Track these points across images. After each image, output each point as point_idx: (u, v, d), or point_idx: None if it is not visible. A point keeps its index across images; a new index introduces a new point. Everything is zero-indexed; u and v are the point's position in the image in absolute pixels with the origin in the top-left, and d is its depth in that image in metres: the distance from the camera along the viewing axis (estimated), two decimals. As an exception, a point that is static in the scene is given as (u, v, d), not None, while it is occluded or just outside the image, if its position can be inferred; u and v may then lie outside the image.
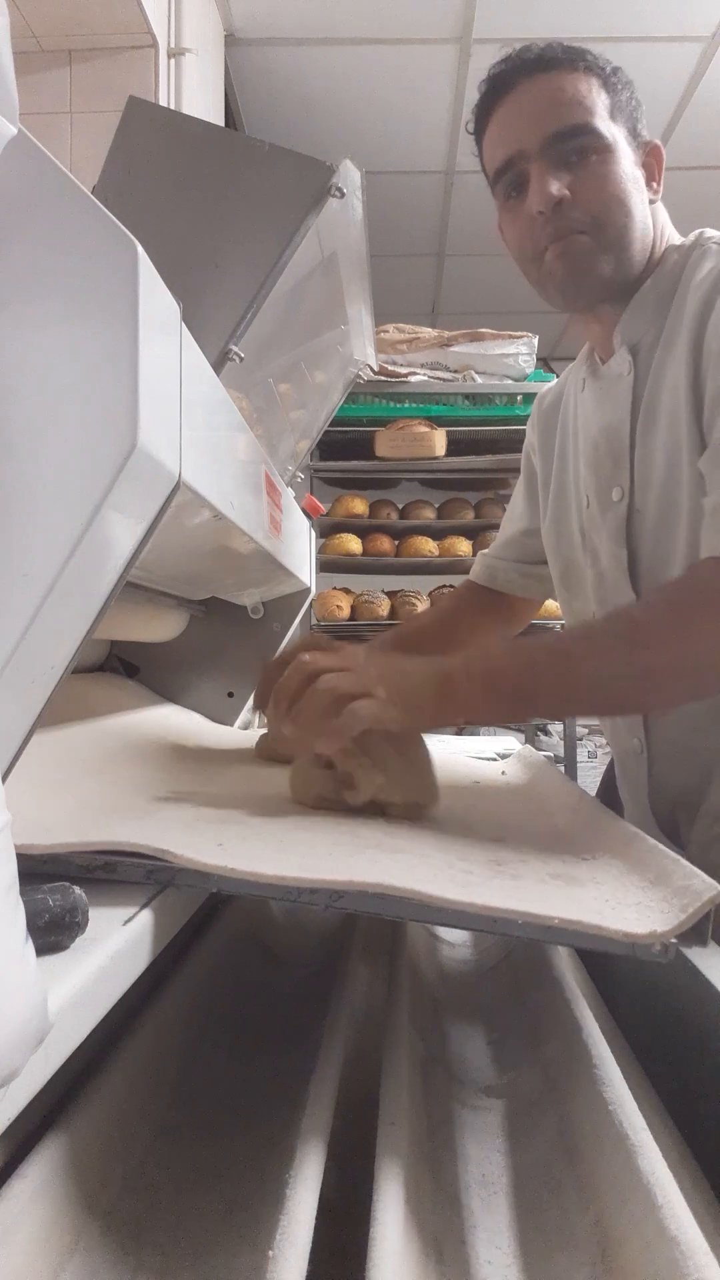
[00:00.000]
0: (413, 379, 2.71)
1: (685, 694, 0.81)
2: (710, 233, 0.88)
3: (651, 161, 0.88)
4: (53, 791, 0.67)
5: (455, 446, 2.72)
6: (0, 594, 0.47)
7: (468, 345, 2.73)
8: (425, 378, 2.73)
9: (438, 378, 2.74)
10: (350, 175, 0.83)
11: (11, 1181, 0.38)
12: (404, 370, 2.72)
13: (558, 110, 0.82)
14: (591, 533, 0.95)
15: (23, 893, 0.36)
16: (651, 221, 0.88)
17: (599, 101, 0.83)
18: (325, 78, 2.74)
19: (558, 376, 1.12)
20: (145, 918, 0.48)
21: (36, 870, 0.50)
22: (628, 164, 0.84)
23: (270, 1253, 0.34)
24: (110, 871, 0.52)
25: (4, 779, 0.50)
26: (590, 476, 0.95)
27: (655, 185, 0.88)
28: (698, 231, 0.89)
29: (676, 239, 0.91)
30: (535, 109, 0.83)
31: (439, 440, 2.67)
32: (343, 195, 0.82)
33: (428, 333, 2.79)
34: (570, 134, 0.82)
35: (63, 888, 0.43)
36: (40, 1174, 0.39)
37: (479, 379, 2.72)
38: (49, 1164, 0.40)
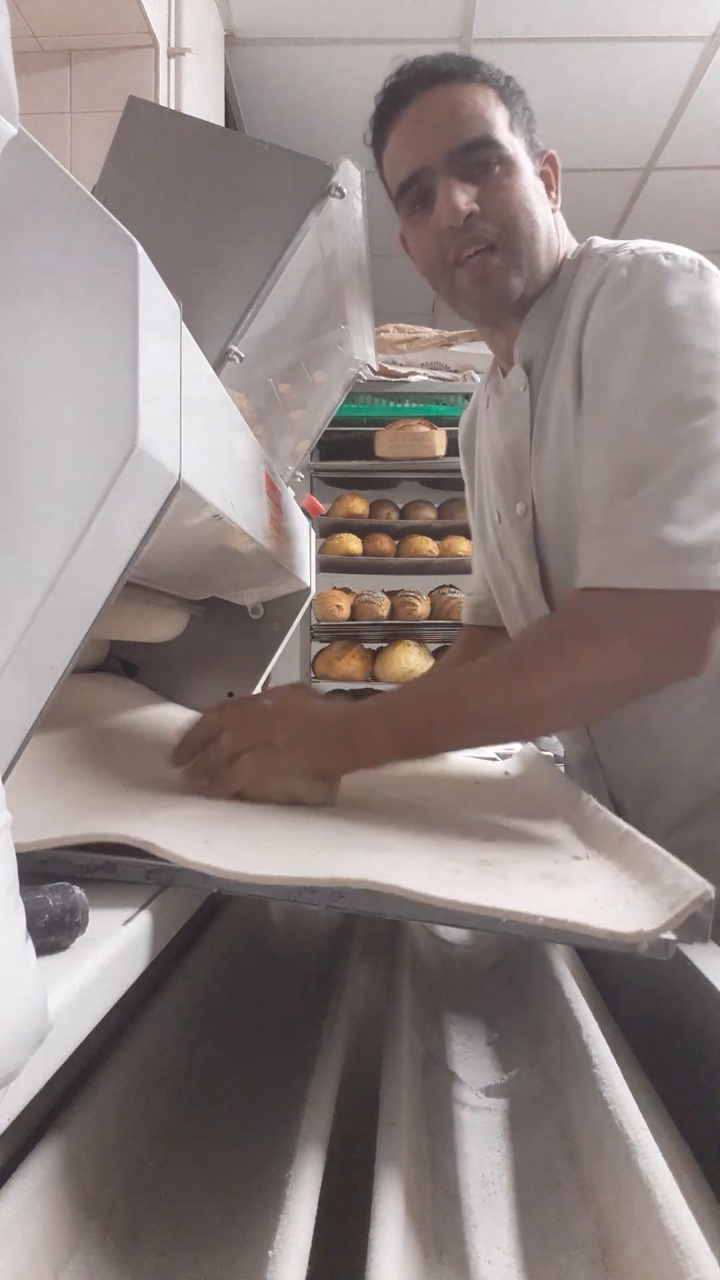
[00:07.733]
0: (413, 379, 2.71)
1: (569, 719, 0.85)
2: (599, 242, 0.86)
3: (549, 171, 0.87)
4: (48, 791, 0.67)
5: (455, 446, 2.71)
6: (0, 594, 0.47)
7: (468, 345, 2.73)
8: (425, 378, 2.73)
9: (438, 378, 2.74)
10: (350, 175, 0.84)
11: (12, 1181, 0.38)
12: (404, 370, 2.72)
13: (459, 123, 0.81)
14: (506, 548, 0.96)
15: (23, 893, 0.36)
16: (556, 231, 0.87)
17: (498, 114, 0.82)
18: (325, 78, 2.74)
19: None
20: (145, 918, 0.48)
21: (36, 870, 0.50)
22: (529, 175, 0.84)
23: (270, 1253, 0.34)
24: (110, 871, 0.52)
25: (4, 779, 0.50)
26: (499, 493, 0.96)
27: (554, 194, 0.88)
28: (587, 241, 0.88)
29: (574, 249, 0.89)
30: (436, 123, 0.82)
31: (439, 440, 2.67)
32: (343, 195, 0.82)
33: (428, 333, 2.79)
34: (473, 146, 0.81)
35: (63, 888, 0.43)
36: (40, 1174, 0.39)
37: (479, 379, 2.72)
38: (49, 1164, 0.40)
